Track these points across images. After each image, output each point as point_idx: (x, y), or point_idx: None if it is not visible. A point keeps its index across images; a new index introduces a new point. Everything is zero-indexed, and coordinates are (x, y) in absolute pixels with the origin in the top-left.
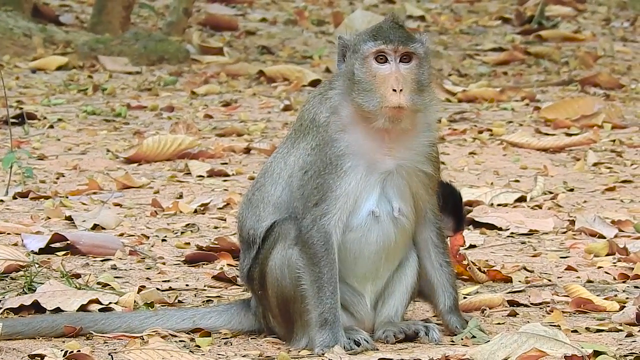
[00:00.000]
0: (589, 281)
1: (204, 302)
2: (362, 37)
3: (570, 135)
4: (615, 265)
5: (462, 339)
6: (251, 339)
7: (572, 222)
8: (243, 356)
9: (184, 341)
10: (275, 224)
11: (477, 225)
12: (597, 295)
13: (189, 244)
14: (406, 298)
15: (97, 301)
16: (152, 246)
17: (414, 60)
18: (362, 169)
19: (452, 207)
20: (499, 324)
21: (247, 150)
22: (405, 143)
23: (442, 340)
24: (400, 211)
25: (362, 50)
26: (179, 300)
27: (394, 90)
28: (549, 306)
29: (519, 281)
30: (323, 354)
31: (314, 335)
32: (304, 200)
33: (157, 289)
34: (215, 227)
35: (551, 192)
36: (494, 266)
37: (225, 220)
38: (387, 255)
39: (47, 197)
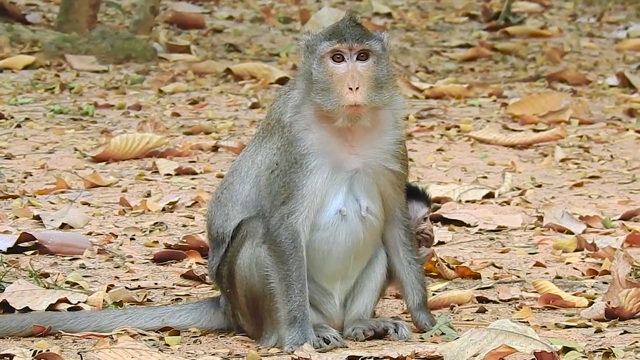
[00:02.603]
0: (558, 277)
1: (173, 300)
2: (319, 36)
3: (538, 131)
4: (583, 261)
5: (431, 336)
6: (220, 337)
7: (540, 218)
8: (212, 354)
9: (153, 340)
10: (243, 223)
11: (446, 221)
12: (566, 291)
13: (157, 242)
14: (375, 295)
15: (66, 300)
16: (121, 245)
17: (371, 58)
18: (328, 167)
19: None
20: (468, 320)
21: (215, 149)
22: (370, 141)
23: (412, 337)
24: (368, 210)
25: (319, 49)
26: (148, 299)
27: (350, 88)
28: (517, 302)
29: (488, 277)
30: (292, 352)
31: (283, 333)
32: (272, 199)
33: (126, 287)
34: (184, 226)
35: (519, 188)
36: (462, 263)
37: (193, 218)
38: (356, 254)
39: (15, 197)
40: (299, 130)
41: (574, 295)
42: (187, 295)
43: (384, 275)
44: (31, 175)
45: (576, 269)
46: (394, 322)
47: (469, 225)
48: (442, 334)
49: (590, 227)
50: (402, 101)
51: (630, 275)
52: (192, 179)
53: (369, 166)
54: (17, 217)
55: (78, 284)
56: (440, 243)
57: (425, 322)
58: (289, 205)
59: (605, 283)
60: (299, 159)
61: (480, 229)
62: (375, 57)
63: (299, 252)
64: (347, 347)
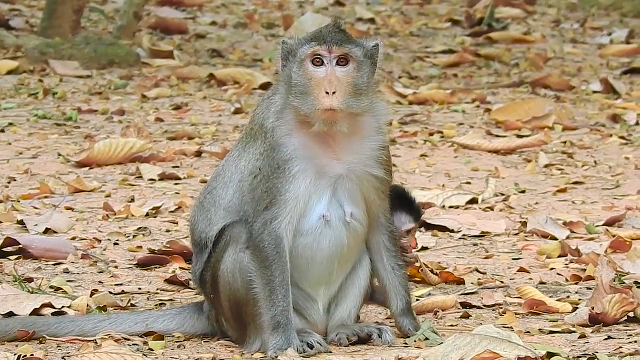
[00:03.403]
0: (542, 282)
1: (156, 305)
2: (300, 40)
3: (521, 136)
4: (567, 267)
5: (415, 341)
6: (204, 342)
7: (524, 224)
8: (196, 359)
9: (137, 344)
10: (226, 228)
11: (429, 227)
12: (550, 297)
13: (141, 247)
14: (359, 301)
15: (50, 305)
16: (104, 250)
17: (351, 64)
18: (311, 172)
19: (400, 202)
20: (451, 325)
21: (199, 154)
22: (353, 147)
23: (395, 342)
24: (352, 215)
25: (299, 53)
26: (131, 304)
27: (327, 92)
28: (501, 308)
29: (472, 283)
30: (276, 357)
31: (266, 339)
32: (255, 204)
33: (110, 292)
34: (167, 231)
35: (503, 194)
36: (446, 268)
37: (177, 223)
38: (340, 259)
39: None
40: (281, 135)
41: (558, 300)
42: (171, 300)
43: (368, 280)
44: (15, 180)
45: (560, 274)
46: (377, 327)
47: (452, 231)
48: (426, 339)
49: (574, 232)
50: (384, 107)
51: (614, 280)
52: (176, 184)
53: (352, 172)
54: (1, 222)
55: (62, 289)
56: (424, 248)
57: (408, 327)
58: (272, 211)
59: (589, 288)
60: (282, 164)
61: (464, 235)
62: (356, 63)
63: (282, 258)
64: (330, 352)
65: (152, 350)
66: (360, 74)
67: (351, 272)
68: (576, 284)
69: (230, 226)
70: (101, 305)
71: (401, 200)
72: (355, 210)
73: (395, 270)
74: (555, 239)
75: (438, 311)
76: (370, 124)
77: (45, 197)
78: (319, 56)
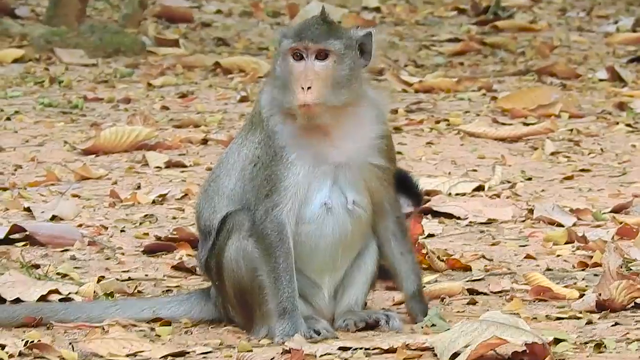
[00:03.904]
0: (548, 269)
1: (163, 292)
2: (284, 33)
3: (528, 124)
4: (574, 254)
5: (422, 328)
6: (211, 328)
7: (531, 211)
8: (204, 345)
9: (144, 331)
10: (228, 216)
11: (436, 214)
12: (557, 283)
13: (147, 234)
14: (366, 287)
15: (57, 291)
16: (111, 237)
17: (331, 58)
18: (309, 159)
19: (401, 186)
20: (458, 312)
21: (205, 142)
22: (350, 136)
23: (403, 328)
24: (354, 203)
25: (282, 46)
26: (138, 290)
27: (302, 88)
28: (508, 294)
29: (478, 270)
30: (283, 343)
31: (273, 325)
32: (256, 192)
33: (117, 279)
34: (174, 218)
35: (509, 181)
36: (453, 255)
37: (183, 210)
38: (344, 246)
39: (5, 189)
40: (276, 123)
41: (565, 287)
42: (178, 286)
43: (375, 266)
44: (21, 167)
45: (567, 261)
46: (385, 314)
47: (459, 218)
48: (433, 325)
49: (581, 219)
50: (383, 95)
51: (621, 267)
52: (182, 171)
53: (352, 160)
54: (8, 209)
55: (69, 275)
56: (431, 235)
57: (417, 312)
58: (273, 198)
59: (596, 275)
60: (279, 152)
61: (471, 222)
62: (336, 57)
63: (285, 245)
64: (337, 337)
65: (159, 336)
66: (342, 67)
67: (357, 259)
68: (583, 270)
69: (233, 214)
70: (108, 292)
71: (402, 184)
72: (358, 198)
73: (404, 255)
74: (562, 226)
75: (445, 298)
76: (368, 113)
77: (52, 184)
78: (298, 51)
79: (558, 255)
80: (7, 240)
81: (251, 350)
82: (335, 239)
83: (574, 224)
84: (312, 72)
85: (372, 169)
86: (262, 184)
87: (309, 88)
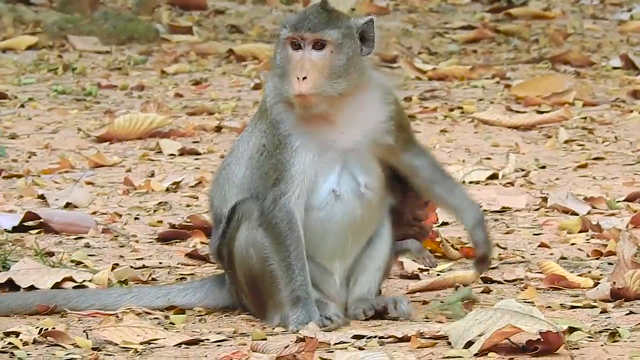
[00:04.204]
0: (563, 258)
1: (177, 279)
2: (283, 22)
3: (542, 112)
4: (588, 242)
5: (439, 312)
6: (225, 316)
7: (545, 199)
8: (217, 333)
9: (158, 318)
10: (237, 204)
11: None
12: (571, 272)
13: (161, 222)
14: (379, 275)
15: (71, 279)
16: (125, 224)
17: (328, 47)
18: (315, 146)
19: None
20: (472, 300)
21: (218, 129)
22: (357, 121)
23: (412, 312)
24: (366, 186)
25: (280, 35)
26: (152, 278)
27: (298, 78)
28: (522, 283)
29: (492, 258)
30: (297, 331)
31: (287, 313)
32: (263, 181)
33: (131, 266)
34: (188, 205)
35: (523, 170)
36: (467, 243)
37: (197, 198)
38: (354, 232)
39: (19, 176)
40: (279, 112)
41: (579, 275)
42: (192, 274)
43: (388, 253)
44: (35, 155)
45: (581, 249)
46: (393, 298)
47: None
48: (445, 310)
49: (595, 208)
50: (384, 78)
51: (636, 256)
52: (196, 159)
53: (361, 145)
54: (22, 197)
55: (83, 263)
56: (445, 224)
57: (478, 239)
58: (281, 187)
59: (611, 264)
60: (283, 140)
61: (485, 210)
62: (333, 47)
63: (295, 232)
64: (349, 324)
65: (173, 324)
66: (339, 57)
67: (369, 247)
68: (597, 259)
69: (242, 203)
70: (122, 280)
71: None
72: (369, 181)
73: (453, 190)
74: (576, 214)
75: (459, 286)
76: (373, 96)
77: (66, 171)
78: (295, 40)
79: (572, 244)
80: (21, 228)
81: (265, 339)
82: (345, 225)
83: (588, 213)
84: (309, 62)
85: (384, 148)
86: (269, 173)
87: (304, 78)
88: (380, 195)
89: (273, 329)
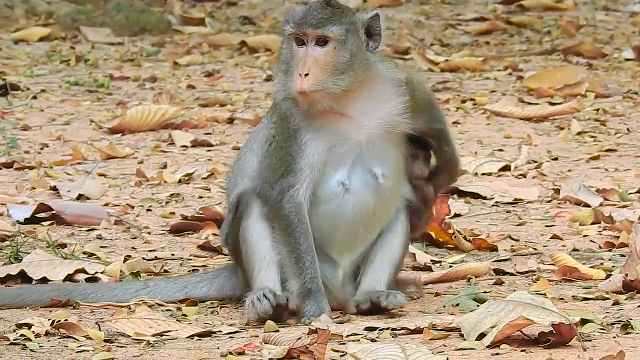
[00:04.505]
0: (575, 249)
1: (189, 271)
2: (288, 17)
3: (554, 104)
4: (600, 234)
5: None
6: (237, 308)
7: (557, 191)
8: (230, 325)
9: (170, 310)
10: (245, 194)
11: (462, 194)
12: (583, 264)
13: (173, 213)
14: (390, 268)
15: (84, 271)
16: (137, 216)
17: (331, 44)
18: (325, 140)
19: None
20: (485, 292)
21: (231, 121)
22: (372, 113)
23: (403, 303)
24: (384, 175)
25: (284, 31)
26: (165, 270)
27: (300, 74)
28: (534, 274)
29: (505, 250)
30: (310, 324)
31: (298, 306)
32: (272, 172)
33: (143, 258)
34: (200, 197)
35: (535, 161)
36: (479, 235)
37: (209, 190)
38: (365, 225)
39: (31, 168)
40: (288, 107)
41: (591, 267)
42: (204, 266)
43: (402, 248)
44: (47, 146)
45: (593, 241)
46: (386, 291)
47: (485, 198)
48: (457, 305)
49: (607, 200)
50: (393, 69)
51: None
52: (208, 150)
53: (375, 137)
54: (34, 188)
55: (95, 255)
56: (457, 215)
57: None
58: (288, 179)
59: (623, 256)
60: (292, 133)
61: (497, 202)
62: (336, 43)
63: (303, 225)
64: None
65: (185, 316)
66: (343, 53)
67: (380, 238)
68: (609, 251)
69: (249, 193)
70: (134, 271)
71: (421, 147)
72: (386, 169)
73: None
74: (589, 206)
75: (471, 278)
76: (384, 89)
77: (78, 163)
78: (298, 36)
79: (584, 236)
80: (33, 220)
81: (277, 330)
82: (356, 218)
83: (601, 204)
84: (311, 59)
85: (401, 132)
86: (277, 164)
87: (306, 75)
88: (397, 185)
89: (285, 321)
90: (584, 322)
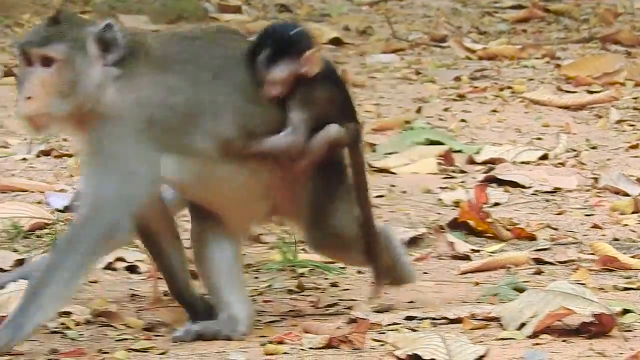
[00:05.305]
0: (615, 239)
1: None
2: (22, 36)
3: (592, 92)
4: None
5: (489, 295)
6: (276, 297)
7: (596, 180)
8: (271, 314)
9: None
10: None
11: (501, 182)
12: (624, 253)
13: None
14: None
15: (123, 259)
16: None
17: (56, 64)
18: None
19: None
20: (524, 282)
21: None
22: None
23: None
24: None
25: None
26: None
27: (24, 97)
28: (574, 264)
29: (544, 239)
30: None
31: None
32: None
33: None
34: None
35: (574, 150)
36: (518, 224)
37: None
38: None
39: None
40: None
41: (632, 257)
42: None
43: None
44: None
45: (633, 231)
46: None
47: (524, 187)
48: (496, 294)
49: None
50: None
51: None
52: None
53: None
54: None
55: (134, 243)
56: (496, 204)
57: None
58: None
59: None
60: None
61: (536, 191)
62: (61, 62)
63: None
64: None
65: None
66: (68, 73)
67: None
68: None
69: None
70: None
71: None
72: None
73: None
74: (628, 195)
75: (510, 267)
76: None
77: None
78: (26, 56)
79: (625, 225)
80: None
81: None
82: None
83: None
84: (37, 80)
85: None
86: None
87: (29, 98)
88: None
89: (325, 309)
90: (624, 312)
